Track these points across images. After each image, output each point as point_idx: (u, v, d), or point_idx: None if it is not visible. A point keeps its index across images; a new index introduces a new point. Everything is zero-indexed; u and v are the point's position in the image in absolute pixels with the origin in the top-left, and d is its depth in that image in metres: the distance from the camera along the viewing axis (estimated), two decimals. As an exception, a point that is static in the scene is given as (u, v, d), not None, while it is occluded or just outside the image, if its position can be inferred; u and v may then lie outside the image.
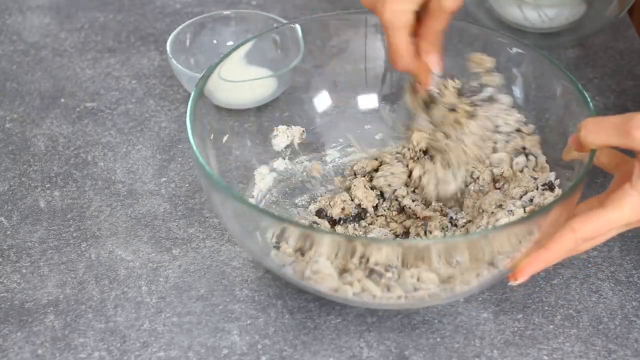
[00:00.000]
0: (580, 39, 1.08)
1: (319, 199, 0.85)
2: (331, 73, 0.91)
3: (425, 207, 0.83)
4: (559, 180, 0.81)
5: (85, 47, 1.08)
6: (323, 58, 0.91)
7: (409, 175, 0.85)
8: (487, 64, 0.84)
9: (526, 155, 0.83)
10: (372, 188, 0.85)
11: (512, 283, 0.72)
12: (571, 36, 1.08)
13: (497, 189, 0.82)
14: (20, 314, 0.79)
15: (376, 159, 0.87)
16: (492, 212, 0.79)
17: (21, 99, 1.01)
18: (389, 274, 0.71)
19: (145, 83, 1.03)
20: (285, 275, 0.75)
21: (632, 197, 0.68)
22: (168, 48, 0.98)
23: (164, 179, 0.91)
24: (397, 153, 0.86)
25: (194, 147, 0.75)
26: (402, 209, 0.84)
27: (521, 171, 0.82)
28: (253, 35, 0.91)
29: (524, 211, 0.78)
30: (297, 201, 0.86)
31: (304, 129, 0.89)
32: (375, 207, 0.84)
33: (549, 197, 0.79)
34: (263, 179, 0.86)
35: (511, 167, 0.83)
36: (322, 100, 0.91)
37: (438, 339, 0.77)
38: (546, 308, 0.79)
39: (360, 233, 0.83)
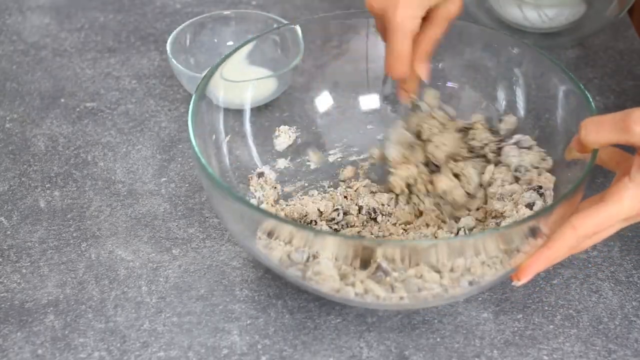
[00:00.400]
0: (580, 39, 1.08)
1: (320, 199, 0.86)
2: (332, 73, 0.91)
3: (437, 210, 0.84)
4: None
5: (85, 47, 1.08)
6: (324, 58, 0.91)
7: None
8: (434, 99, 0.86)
9: (540, 195, 0.81)
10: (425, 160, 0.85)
11: (516, 283, 0.71)
12: (571, 36, 1.08)
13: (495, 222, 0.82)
14: (20, 314, 0.79)
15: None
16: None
17: (21, 99, 1.01)
18: (395, 273, 0.70)
19: (145, 83, 1.03)
20: (286, 275, 0.74)
21: (631, 190, 0.68)
22: (168, 48, 0.98)
23: (164, 179, 0.91)
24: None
25: (195, 148, 0.75)
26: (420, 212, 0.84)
27: (527, 207, 0.81)
28: (254, 35, 0.91)
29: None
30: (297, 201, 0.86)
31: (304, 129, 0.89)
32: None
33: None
34: (264, 179, 0.86)
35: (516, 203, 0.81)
36: (323, 101, 0.91)
37: (438, 339, 0.77)
38: (546, 308, 0.79)
39: (372, 232, 0.82)
